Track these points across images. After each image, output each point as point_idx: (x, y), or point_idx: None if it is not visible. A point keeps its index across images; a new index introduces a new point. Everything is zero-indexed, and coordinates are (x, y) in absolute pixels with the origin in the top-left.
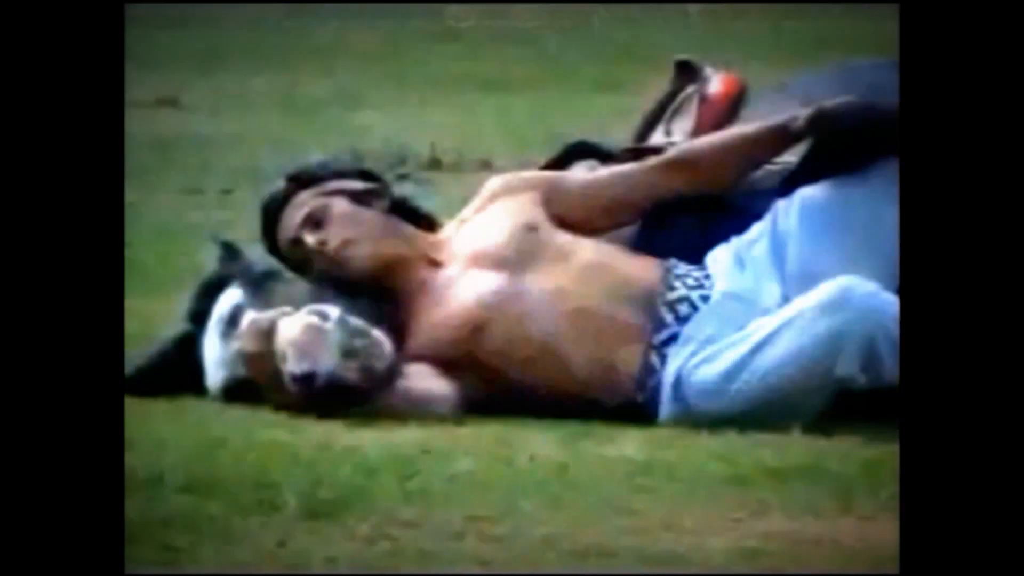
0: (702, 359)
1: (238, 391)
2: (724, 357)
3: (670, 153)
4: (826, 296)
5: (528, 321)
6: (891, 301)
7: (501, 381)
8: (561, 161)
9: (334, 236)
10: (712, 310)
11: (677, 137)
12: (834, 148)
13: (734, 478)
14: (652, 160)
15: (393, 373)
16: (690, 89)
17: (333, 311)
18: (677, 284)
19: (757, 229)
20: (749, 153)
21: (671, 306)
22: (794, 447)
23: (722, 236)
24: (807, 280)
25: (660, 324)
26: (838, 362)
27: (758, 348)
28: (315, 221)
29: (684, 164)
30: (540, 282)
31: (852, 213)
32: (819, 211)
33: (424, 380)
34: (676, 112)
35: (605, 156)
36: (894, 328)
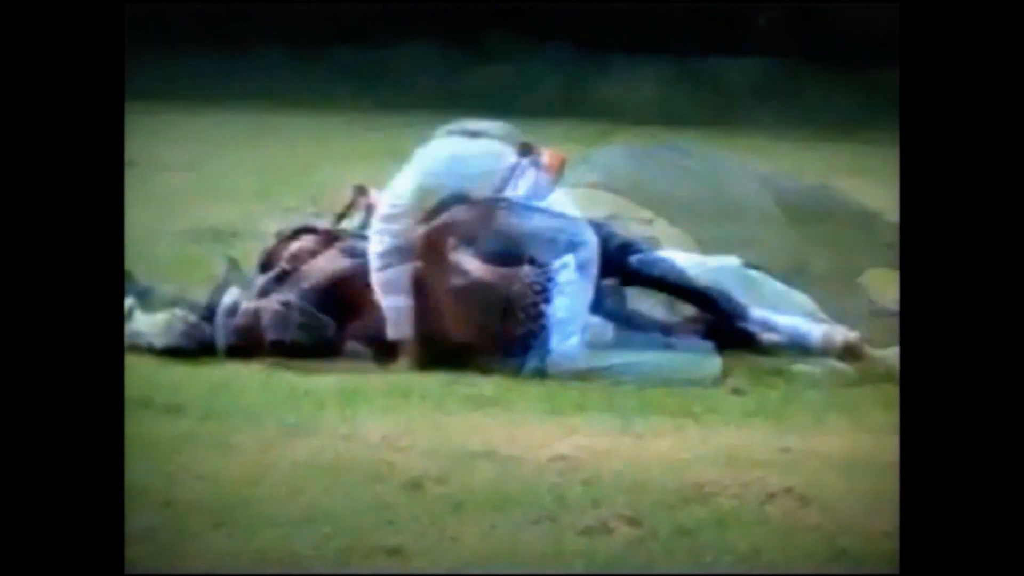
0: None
1: (236, 351)
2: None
3: None
4: None
5: (435, 328)
6: None
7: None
8: (440, 208)
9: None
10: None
11: (521, 192)
12: None
13: (551, 410)
14: None
15: (334, 342)
16: (527, 160)
17: (294, 301)
18: (528, 292)
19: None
20: None
21: (525, 310)
22: (593, 390)
23: None
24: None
25: (518, 324)
26: None
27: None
28: (292, 258)
29: None
30: (440, 304)
31: None
32: None
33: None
34: (520, 175)
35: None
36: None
